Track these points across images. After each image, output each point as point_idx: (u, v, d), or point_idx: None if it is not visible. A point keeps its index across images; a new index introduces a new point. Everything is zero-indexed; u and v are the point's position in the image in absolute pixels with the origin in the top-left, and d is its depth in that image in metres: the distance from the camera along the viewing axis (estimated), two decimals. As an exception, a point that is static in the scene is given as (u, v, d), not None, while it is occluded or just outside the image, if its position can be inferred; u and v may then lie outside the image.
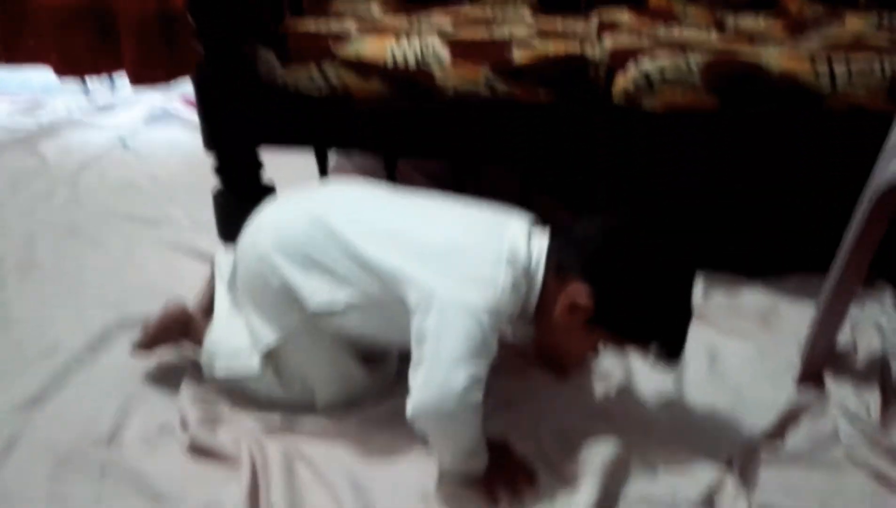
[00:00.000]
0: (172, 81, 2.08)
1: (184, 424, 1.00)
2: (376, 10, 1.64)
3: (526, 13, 1.60)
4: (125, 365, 1.13)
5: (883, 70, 1.19)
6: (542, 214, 1.37)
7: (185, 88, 2.16)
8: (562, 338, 0.94)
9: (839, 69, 1.19)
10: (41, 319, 1.25)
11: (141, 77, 2.02)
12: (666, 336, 0.90)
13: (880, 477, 0.94)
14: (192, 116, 2.14)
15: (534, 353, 1.14)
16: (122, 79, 2.15)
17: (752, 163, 1.29)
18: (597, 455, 0.92)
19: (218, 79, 1.32)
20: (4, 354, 1.15)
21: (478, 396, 0.86)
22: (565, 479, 0.92)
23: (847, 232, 1.03)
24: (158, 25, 1.98)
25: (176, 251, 1.46)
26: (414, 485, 0.92)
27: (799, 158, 1.27)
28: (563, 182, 1.37)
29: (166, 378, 1.10)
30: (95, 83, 2.26)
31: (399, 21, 1.51)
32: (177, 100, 2.23)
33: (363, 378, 1.04)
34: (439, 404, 0.85)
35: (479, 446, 0.90)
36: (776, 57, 1.22)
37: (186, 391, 1.05)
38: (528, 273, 0.90)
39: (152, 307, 1.23)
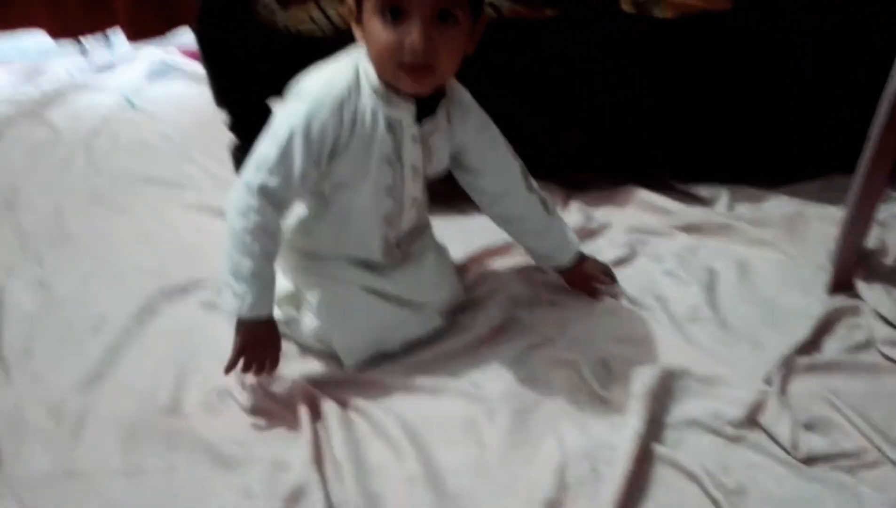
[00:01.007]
0: (169, 33, 2.03)
1: (242, 386, 1.03)
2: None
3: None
4: (174, 333, 1.16)
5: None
6: (554, 138, 1.38)
7: (182, 39, 2.11)
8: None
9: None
10: (84, 294, 1.27)
11: (137, 32, 1.95)
12: None
13: (917, 377, 0.97)
14: (194, 67, 2.11)
15: (566, 281, 1.17)
16: (118, 35, 2.10)
17: (770, 64, 1.26)
18: (639, 381, 0.96)
19: (220, 32, 1.31)
20: (57, 333, 1.18)
21: (253, 216, 0.91)
22: (610, 408, 0.96)
23: (870, 132, 1.02)
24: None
25: (201, 212, 1.47)
26: (464, 424, 0.96)
27: (818, 54, 1.25)
28: (578, 100, 1.34)
29: (215, 342, 1.13)
30: (92, 42, 2.21)
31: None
32: (176, 52, 2.19)
33: (392, 320, 1.06)
34: (226, 205, 0.94)
35: (242, 281, 0.94)
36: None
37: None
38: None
39: (188, 272, 1.29)
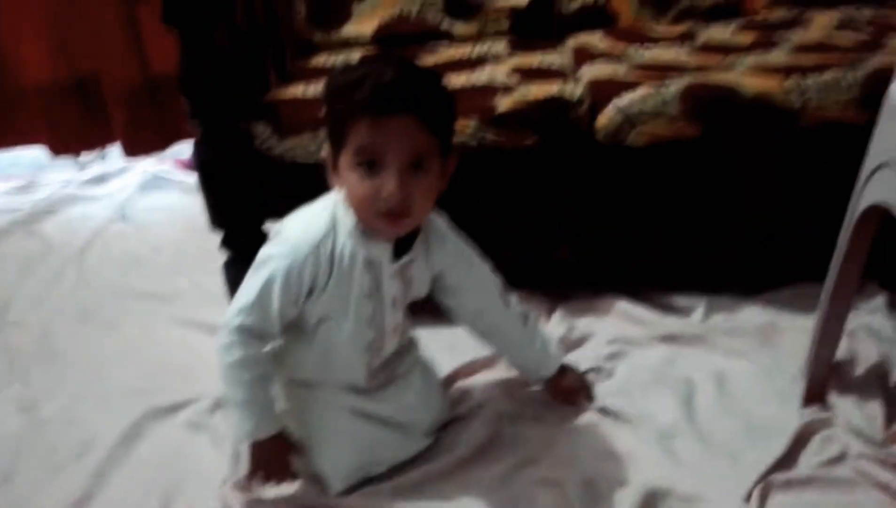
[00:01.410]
0: (167, 149, 2.11)
1: (227, 512, 1.04)
2: (357, 59, 1.67)
3: (503, 48, 1.64)
4: (160, 456, 1.16)
5: (851, 83, 1.23)
6: (546, 254, 1.44)
7: (176, 151, 2.19)
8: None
9: (809, 85, 1.24)
10: (70, 415, 1.28)
11: (135, 147, 2.05)
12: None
13: (890, 491, 0.98)
14: (187, 178, 2.17)
15: (547, 390, 1.19)
16: (114, 149, 2.19)
17: (737, 185, 1.33)
18: (623, 503, 0.97)
19: (217, 158, 1.36)
20: (42, 457, 1.19)
21: (237, 352, 0.96)
22: (595, 530, 0.96)
23: (836, 248, 1.07)
24: (146, 94, 2.02)
25: (189, 327, 1.49)
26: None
27: (781, 176, 1.32)
28: (566, 219, 1.40)
29: (200, 466, 1.14)
30: (88, 156, 2.29)
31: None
32: (170, 163, 2.26)
33: (379, 443, 1.07)
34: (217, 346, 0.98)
35: (238, 410, 0.99)
36: (749, 79, 1.27)
37: (229, 474, 1.09)
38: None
39: (175, 392, 1.29)
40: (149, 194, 2.16)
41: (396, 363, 1.12)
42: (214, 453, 1.16)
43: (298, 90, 1.45)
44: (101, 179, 2.24)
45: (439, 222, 1.06)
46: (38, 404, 1.31)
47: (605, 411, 1.17)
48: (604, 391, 1.22)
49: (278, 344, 1.02)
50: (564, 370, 1.19)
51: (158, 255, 1.83)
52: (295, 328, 1.03)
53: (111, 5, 1.94)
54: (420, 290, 1.07)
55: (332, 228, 0.96)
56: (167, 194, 2.15)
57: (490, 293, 1.12)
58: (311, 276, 0.95)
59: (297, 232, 0.97)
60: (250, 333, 0.97)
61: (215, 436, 1.18)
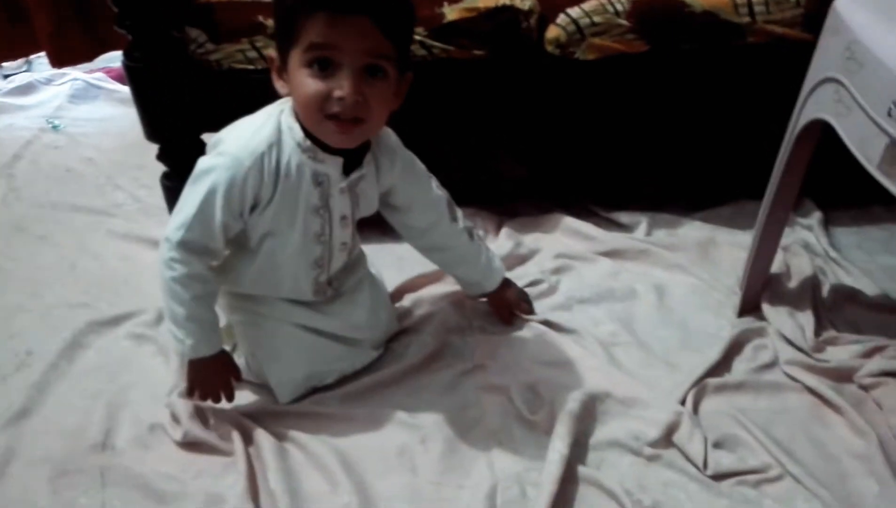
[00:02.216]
0: (96, 58, 2.00)
1: (175, 419, 1.04)
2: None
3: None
4: (104, 367, 1.15)
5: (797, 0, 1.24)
6: (501, 168, 1.44)
7: (106, 59, 2.08)
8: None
9: (757, 0, 1.24)
10: (8, 328, 1.24)
11: (62, 58, 1.93)
12: None
13: (817, 395, 1.05)
14: (119, 87, 2.08)
15: (489, 304, 1.21)
16: (40, 59, 2.06)
17: (684, 101, 1.35)
18: (564, 405, 1.01)
19: (149, 67, 1.29)
20: (-21, 371, 1.16)
21: (178, 268, 0.93)
22: (538, 432, 1.00)
23: (776, 163, 1.11)
24: (73, 1, 1.89)
25: (129, 241, 1.45)
26: (398, 452, 0.99)
27: (728, 92, 1.33)
28: (511, 135, 1.40)
29: (145, 376, 1.13)
30: (12, 65, 2.15)
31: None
32: (101, 74, 2.15)
33: (326, 355, 1.08)
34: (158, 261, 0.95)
35: (180, 327, 0.96)
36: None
37: (176, 384, 1.08)
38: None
39: (117, 304, 1.27)
40: (80, 104, 2.06)
41: (344, 279, 1.11)
42: (160, 363, 1.15)
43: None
44: (28, 89, 2.11)
45: (390, 139, 1.04)
46: (-28, 317, 1.27)
47: (548, 322, 1.20)
48: (549, 304, 1.25)
49: (217, 260, 1.00)
50: (506, 284, 1.20)
51: (93, 167, 1.75)
52: (239, 243, 1.01)
53: None
54: (369, 207, 1.05)
55: (278, 139, 0.92)
56: (100, 105, 2.06)
57: (438, 210, 1.11)
58: (254, 189, 0.92)
59: (239, 143, 0.92)
60: (192, 248, 0.93)
61: (160, 347, 1.17)
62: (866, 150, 0.83)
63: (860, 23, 0.85)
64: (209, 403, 1.03)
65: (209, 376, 1.01)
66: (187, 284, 0.94)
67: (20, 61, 2.18)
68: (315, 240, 1.00)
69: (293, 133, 0.92)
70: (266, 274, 1.02)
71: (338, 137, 0.90)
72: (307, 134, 0.92)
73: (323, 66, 0.84)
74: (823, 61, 0.93)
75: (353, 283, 1.12)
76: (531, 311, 1.22)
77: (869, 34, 0.83)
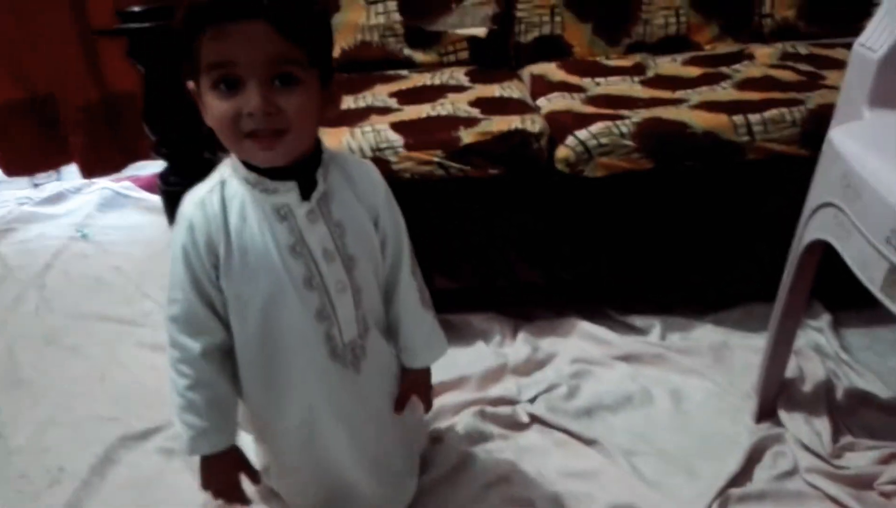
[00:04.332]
0: (125, 169, 2.10)
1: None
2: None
3: (463, 77, 1.70)
4: (134, 483, 1.18)
5: (794, 119, 1.32)
6: (510, 277, 1.49)
7: (133, 169, 2.18)
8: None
9: (755, 121, 1.32)
10: (40, 443, 1.28)
11: (93, 168, 2.03)
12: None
13: (839, 504, 1.06)
14: (146, 196, 2.17)
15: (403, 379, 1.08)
16: (70, 169, 2.16)
17: (690, 212, 1.41)
18: (590, 520, 1.02)
19: (185, 186, 1.36)
20: (13, 487, 1.18)
21: (172, 349, 0.88)
22: (565, 548, 1.02)
23: (783, 277, 1.15)
24: (104, 113, 2.00)
25: (158, 351, 1.47)
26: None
27: (731, 204, 1.40)
28: (526, 244, 1.46)
29: (175, 493, 1.15)
30: (43, 176, 2.26)
31: (346, 102, 1.57)
32: (128, 182, 2.24)
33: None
34: None
35: (177, 418, 0.91)
36: (699, 115, 1.35)
37: (207, 502, 1.09)
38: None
39: (146, 417, 1.30)
40: (108, 212, 2.14)
41: (367, 345, 0.99)
42: (190, 478, 1.17)
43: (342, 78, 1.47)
44: (58, 198, 2.21)
45: (364, 163, 0.97)
46: (7, 432, 1.30)
47: (569, 430, 1.23)
48: (568, 410, 1.27)
49: (219, 339, 0.91)
50: (426, 376, 1.09)
51: (121, 276, 1.82)
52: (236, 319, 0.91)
53: (67, 26, 1.92)
54: (363, 237, 0.94)
55: (220, 182, 0.87)
56: (127, 213, 2.14)
57: (405, 253, 1.01)
58: (205, 239, 0.85)
59: (186, 205, 0.88)
60: (180, 323, 0.88)
61: (191, 460, 1.18)
62: (868, 272, 0.87)
63: (854, 153, 0.92)
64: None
65: (216, 474, 0.95)
66: (182, 370, 0.89)
67: (50, 173, 2.28)
68: (306, 286, 0.89)
69: (237, 172, 0.87)
70: (268, 343, 0.91)
71: (262, 155, 0.82)
72: (251, 168, 0.86)
73: (229, 85, 0.78)
74: (822, 187, 0.99)
75: (382, 354, 1.02)
76: (426, 409, 1.13)
77: (863, 164, 0.89)
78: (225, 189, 0.87)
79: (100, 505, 1.14)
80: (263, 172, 0.85)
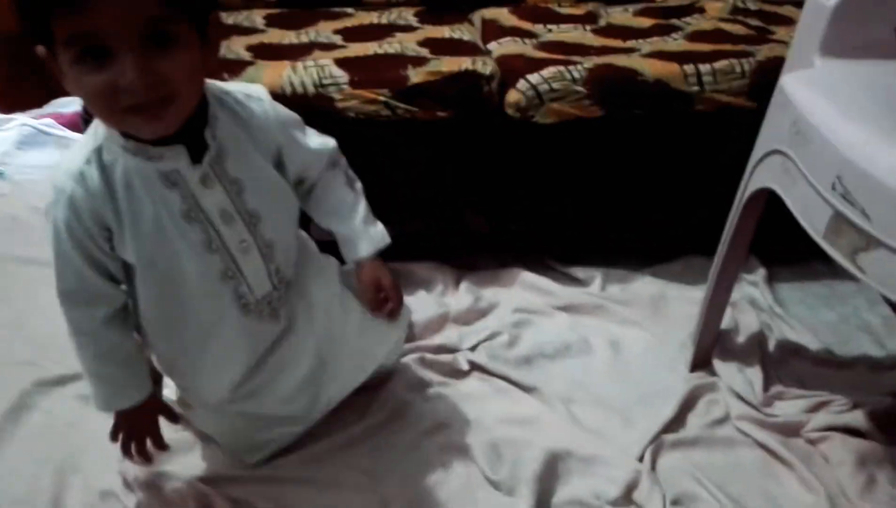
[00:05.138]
0: (47, 105, 1.97)
1: (127, 486, 1.00)
2: (260, 21, 1.62)
3: (412, 18, 1.64)
4: (52, 429, 1.11)
5: (743, 70, 1.32)
6: (463, 222, 1.46)
7: (56, 105, 2.05)
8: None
9: (705, 71, 1.31)
10: (-51, 388, 1.20)
11: (12, 103, 1.90)
12: None
13: (768, 450, 1.08)
14: (70, 134, 2.04)
15: (357, 278, 1.05)
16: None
17: (636, 162, 1.40)
18: (527, 465, 1.02)
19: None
20: (-81, 432, 1.11)
21: (70, 322, 0.87)
22: (501, 493, 1.01)
23: (726, 227, 1.15)
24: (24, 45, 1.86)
25: None
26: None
27: (677, 155, 1.40)
28: (472, 191, 1.43)
29: (96, 439, 1.09)
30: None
31: (287, 37, 1.50)
32: (50, 120, 2.10)
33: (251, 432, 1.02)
34: None
35: (86, 380, 0.92)
36: (650, 63, 1.33)
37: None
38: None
39: (64, 363, 1.23)
40: (28, 150, 2.00)
41: (287, 299, 0.98)
42: (111, 425, 1.11)
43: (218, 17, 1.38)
44: (-29, 133, 2.06)
45: (254, 98, 0.88)
46: (-88, 375, 1.22)
47: (508, 378, 1.22)
48: (509, 358, 1.26)
49: (119, 303, 0.89)
50: (381, 265, 1.04)
51: (40, 217, 1.68)
52: (133, 280, 0.88)
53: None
54: (268, 188, 0.89)
55: (97, 150, 0.79)
56: (48, 151, 2.00)
57: (320, 158, 0.97)
58: (91, 213, 0.79)
59: (58, 173, 0.80)
60: (75, 299, 0.86)
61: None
62: (812, 220, 0.87)
63: (805, 100, 0.91)
64: (133, 472, 0.99)
65: (132, 423, 0.95)
66: (83, 342, 0.89)
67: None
68: (206, 249, 0.86)
69: (114, 138, 0.79)
70: (174, 305, 0.90)
71: (150, 128, 0.75)
72: (128, 135, 0.78)
73: (96, 55, 0.68)
74: (771, 134, 0.99)
75: (303, 309, 1.00)
76: (400, 301, 1.05)
77: (813, 111, 0.88)
78: (102, 157, 0.79)
79: (14, 452, 1.08)
80: (144, 139, 0.78)
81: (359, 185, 1.02)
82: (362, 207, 1.00)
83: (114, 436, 0.96)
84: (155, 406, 0.96)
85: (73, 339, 0.89)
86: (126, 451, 0.97)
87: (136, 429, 0.96)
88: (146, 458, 0.97)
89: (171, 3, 0.69)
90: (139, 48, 0.68)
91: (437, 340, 1.30)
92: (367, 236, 1.00)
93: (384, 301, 1.03)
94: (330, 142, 0.97)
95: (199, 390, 1.00)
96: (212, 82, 0.85)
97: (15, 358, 1.25)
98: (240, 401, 0.99)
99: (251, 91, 0.89)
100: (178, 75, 0.71)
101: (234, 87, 0.88)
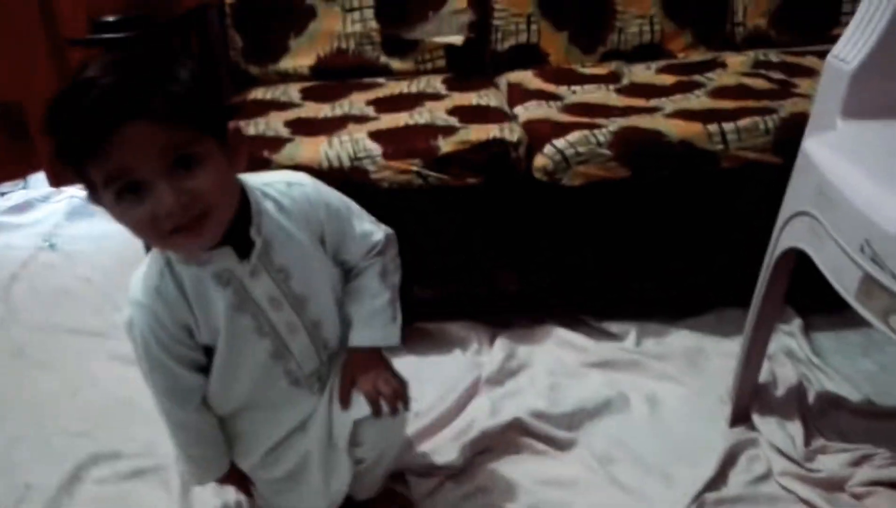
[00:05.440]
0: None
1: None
2: (296, 95, 1.69)
3: (440, 85, 1.70)
4: (103, 501, 1.15)
5: (767, 127, 1.34)
6: (488, 284, 1.49)
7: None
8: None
9: (729, 130, 1.34)
10: (8, 459, 1.24)
11: (61, 176, 1.99)
12: None
13: (811, 506, 1.08)
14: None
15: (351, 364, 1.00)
16: (38, 178, 2.12)
17: (665, 219, 1.42)
18: (570, 529, 1.03)
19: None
20: (-21, 507, 1.15)
21: (169, 417, 0.94)
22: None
23: (758, 284, 1.17)
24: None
25: (129, 363, 1.42)
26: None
27: (705, 211, 1.42)
28: (504, 252, 1.46)
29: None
30: (10, 185, 2.21)
31: (322, 110, 1.56)
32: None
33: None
34: None
35: (184, 465, 1.01)
36: (674, 124, 1.36)
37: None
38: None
39: (119, 432, 1.27)
40: (76, 221, 2.10)
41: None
42: (161, 496, 1.15)
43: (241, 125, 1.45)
44: (25, 207, 2.17)
45: (295, 185, 0.92)
46: (-27, 450, 1.27)
47: (547, 438, 1.23)
48: (545, 419, 1.27)
49: (204, 391, 0.95)
50: (378, 361, 0.99)
51: (90, 287, 1.78)
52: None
53: (37, 33, 1.88)
54: (313, 270, 0.93)
55: (166, 264, 0.86)
56: (96, 222, 2.09)
57: (361, 247, 0.97)
58: (174, 320, 0.88)
59: (136, 290, 0.88)
60: (168, 395, 0.93)
61: (161, 479, 1.17)
62: (842, 281, 0.88)
63: (828, 163, 0.93)
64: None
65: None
66: (177, 431, 0.96)
67: (17, 181, 2.23)
68: (257, 334, 0.92)
69: (172, 254, 0.86)
70: (232, 377, 0.94)
71: (193, 245, 0.81)
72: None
73: (133, 190, 0.74)
74: (797, 196, 1.01)
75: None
76: (405, 405, 0.98)
77: (837, 175, 0.90)
78: (174, 271, 0.86)
79: (70, 524, 1.12)
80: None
81: (394, 279, 1.01)
82: (383, 300, 0.98)
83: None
84: (234, 472, 1.03)
85: (170, 429, 0.97)
86: None
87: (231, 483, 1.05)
88: None
89: (186, 128, 0.74)
90: (168, 176, 0.74)
91: (470, 409, 1.31)
92: (370, 326, 0.98)
93: (375, 399, 0.95)
94: (377, 233, 0.98)
95: (243, 454, 1.02)
96: (254, 177, 0.91)
97: (69, 429, 1.30)
98: (266, 467, 1.02)
99: (292, 179, 0.93)
100: (208, 190, 0.76)
101: (275, 177, 0.93)
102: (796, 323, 1.47)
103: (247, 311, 0.90)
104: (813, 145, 0.98)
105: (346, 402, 0.96)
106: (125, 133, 0.71)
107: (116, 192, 0.74)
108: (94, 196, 0.77)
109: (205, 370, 0.94)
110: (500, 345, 1.46)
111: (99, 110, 0.71)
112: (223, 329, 0.89)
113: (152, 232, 0.77)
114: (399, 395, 0.96)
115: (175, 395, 0.93)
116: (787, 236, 1.03)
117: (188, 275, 0.86)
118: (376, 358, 0.99)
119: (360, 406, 0.94)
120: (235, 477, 1.03)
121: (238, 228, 0.85)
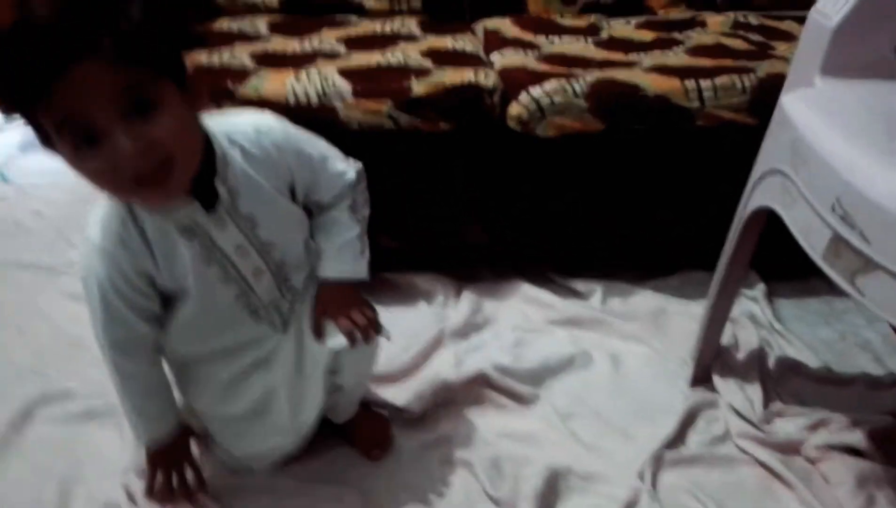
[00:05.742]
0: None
1: (130, 498, 1.01)
2: (263, 27, 1.62)
3: (414, 27, 1.64)
4: (56, 440, 1.12)
5: (744, 86, 1.32)
6: (456, 236, 1.46)
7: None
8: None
9: (706, 87, 1.32)
10: (-48, 397, 1.20)
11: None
12: None
13: (767, 469, 1.09)
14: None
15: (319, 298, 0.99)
16: (-11, 105, 2.02)
17: (637, 176, 1.41)
18: (527, 482, 1.02)
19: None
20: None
21: (113, 372, 0.92)
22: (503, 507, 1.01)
23: (726, 244, 1.16)
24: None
25: (81, 301, 1.38)
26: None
27: (677, 170, 1.40)
28: (478, 203, 1.43)
29: (99, 451, 1.10)
30: (-41, 112, 2.10)
31: (290, 44, 1.50)
32: (53, 123, 2.11)
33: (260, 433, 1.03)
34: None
35: (132, 418, 0.96)
36: (651, 78, 1.33)
37: (131, 461, 1.06)
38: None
39: (70, 371, 1.23)
40: (30, 154, 2.01)
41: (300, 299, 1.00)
42: (114, 437, 1.12)
43: (203, 56, 1.39)
44: (-26, 137, 2.07)
45: (262, 130, 0.88)
46: (-87, 383, 1.22)
47: (510, 391, 1.22)
48: (509, 373, 1.26)
49: (158, 344, 0.95)
50: (348, 291, 0.97)
51: (42, 221, 1.72)
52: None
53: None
54: (275, 218, 0.91)
55: (129, 212, 0.83)
56: (50, 156, 2.01)
57: (333, 188, 0.96)
58: (135, 269, 0.85)
59: (95, 235, 0.84)
60: (121, 346, 0.90)
61: (115, 420, 1.14)
62: (811, 240, 0.87)
63: (804, 120, 0.91)
64: (138, 486, 1.02)
65: (171, 450, 0.99)
66: (125, 383, 0.93)
67: (-33, 109, 2.12)
68: (223, 282, 0.91)
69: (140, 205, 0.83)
70: (196, 328, 0.94)
71: (158, 198, 0.78)
72: None
73: (88, 140, 0.70)
74: (771, 153, 0.99)
75: (304, 317, 0.99)
76: (367, 333, 0.94)
77: (812, 132, 0.89)
78: (136, 217, 0.83)
79: (19, 462, 1.08)
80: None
81: (364, 212, 1.00)
82: (352, 233, 0.97)
83: (149, 488, 1.00)
84: (184, 427, 1.01)
85: (117, 383, 0.93)
86: (167, 489, 0.99)
87: (175, 456, 1.00)
88: (188, 493, 1.00)
89: (140, 69, 0.70)
90: (123, 120, 0.69)
91: (434, 361, 1.29)
92: (340, 259, 0.97)
93: (350, 329, 0.94)
94: (349, 172, 0.96)
95: (200, 393, 1.01)
96: (219, 120, 0.86)
97: (17, 365, 1.26)
98: (226, 401, 1.00)
99: (260, 124, 0.89)
100: (168, 136, 0.72)
101: (242, 120, 0.89)
102: (760, 289, 1.48)
103: (213, 261, 0.89)
104: (790, 102, 0.96)
105: (318, 333, 0.95)
106: (73, 76, 0.66)
107: (72, 143, 0.70)
108: (49, 143, 0.74)
109: (159, 320, 0.92)
110: (466, 299, 1.44)
111: (42, 52, 0.65)
112: (191, 280, 0.88)
113: (112, 184, 0.73)
114: (372, 323, 0.95)
115: (128, 346, 0.90)
116: (758, 194, 1.02)
117: (152, 225, 0.83)
118: (349, 290, 0.97)
119: (336, 338, 0.93)
120: (178, 445, 1.00)
121: (203, 178, 0.82)
